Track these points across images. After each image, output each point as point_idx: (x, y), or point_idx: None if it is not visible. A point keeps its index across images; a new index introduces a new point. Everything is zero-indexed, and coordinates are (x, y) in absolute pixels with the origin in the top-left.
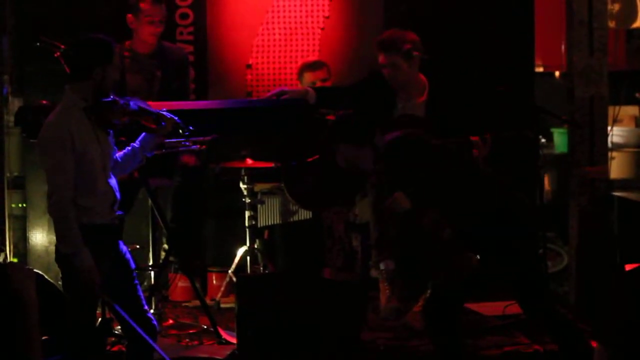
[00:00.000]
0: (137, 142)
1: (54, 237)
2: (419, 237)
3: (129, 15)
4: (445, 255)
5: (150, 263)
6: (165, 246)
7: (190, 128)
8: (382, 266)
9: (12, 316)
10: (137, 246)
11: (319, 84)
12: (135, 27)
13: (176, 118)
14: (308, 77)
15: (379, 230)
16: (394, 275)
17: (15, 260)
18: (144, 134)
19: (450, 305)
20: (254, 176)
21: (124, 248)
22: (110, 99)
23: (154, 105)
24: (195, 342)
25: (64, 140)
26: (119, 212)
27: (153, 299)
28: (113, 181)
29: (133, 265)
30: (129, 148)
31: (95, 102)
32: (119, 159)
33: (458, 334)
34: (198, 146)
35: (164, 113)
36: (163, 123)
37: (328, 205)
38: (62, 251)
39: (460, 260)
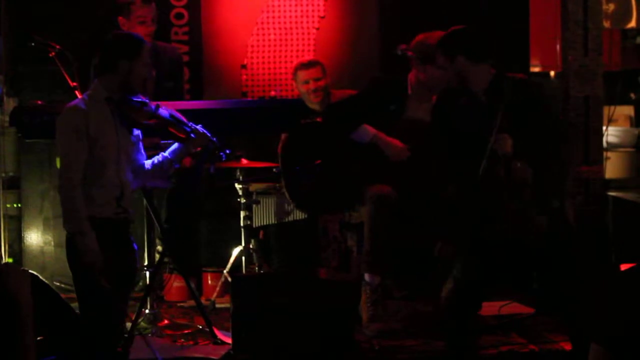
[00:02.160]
0: (169, 153)
1: (49, 237)
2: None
3: (120, 18)
4: (526, 214)
5: (146, 263)
6: (159, 247)
7: (228, 151)
8: (367, 278)
9: (7, 317)
10: None
11: (312, 82)
12: (127, 29)
13: (212, 137)
14: (301, 75)
15: (372, 240)
16: (378, 289)
17: (10, 260)
18: (176, 145)
19: (471, 303)
20: (249, 176)
21: (134, 246)
22: (139, 100)
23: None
24: (191, 342)
25: (78, 125)
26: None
27: (148, 299)
28: (128, 176)
29: (137, 265)
30: (160, 158)
31: (122, 97)
32: (147, 166)
33: (474, 335)
34: None
35: (199, 128)
36: (193, 135)
37: (330, 211)
38: (67, 231)
39: (537, 221)
